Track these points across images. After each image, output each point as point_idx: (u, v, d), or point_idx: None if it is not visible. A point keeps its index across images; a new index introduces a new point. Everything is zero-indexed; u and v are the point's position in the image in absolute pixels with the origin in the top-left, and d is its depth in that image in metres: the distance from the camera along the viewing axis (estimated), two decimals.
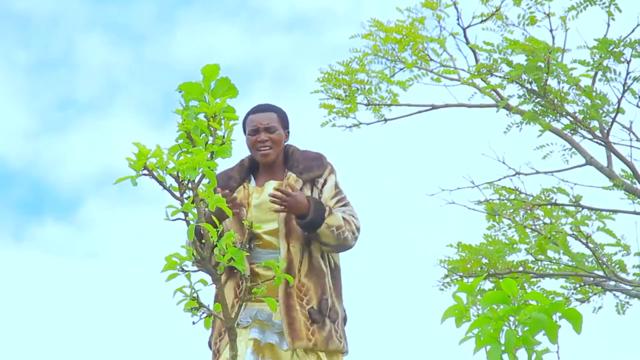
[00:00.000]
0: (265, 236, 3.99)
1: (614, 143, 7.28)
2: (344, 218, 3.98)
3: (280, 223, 3.97)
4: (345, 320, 4.08)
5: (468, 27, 7.64)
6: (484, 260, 7.45)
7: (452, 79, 7.80)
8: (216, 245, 2.45)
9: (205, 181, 2.41)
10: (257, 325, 3.88)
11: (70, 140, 12.70)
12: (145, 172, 2.38)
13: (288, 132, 4.17)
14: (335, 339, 3.94)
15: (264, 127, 4.06)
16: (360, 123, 7.93)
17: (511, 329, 2.09)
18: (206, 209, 2.43)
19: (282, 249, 3.94)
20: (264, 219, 3.99)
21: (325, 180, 4.10)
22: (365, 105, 7.91)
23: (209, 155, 2.39)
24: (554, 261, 7.49)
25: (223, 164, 4.16)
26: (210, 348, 4.03)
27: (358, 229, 4.02)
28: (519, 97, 7.22)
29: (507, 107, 7.39)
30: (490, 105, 7.73)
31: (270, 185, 4.05)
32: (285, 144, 4.17)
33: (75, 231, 12.46)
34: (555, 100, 7.08)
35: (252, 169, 4.16)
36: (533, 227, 7.50)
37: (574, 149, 7.50)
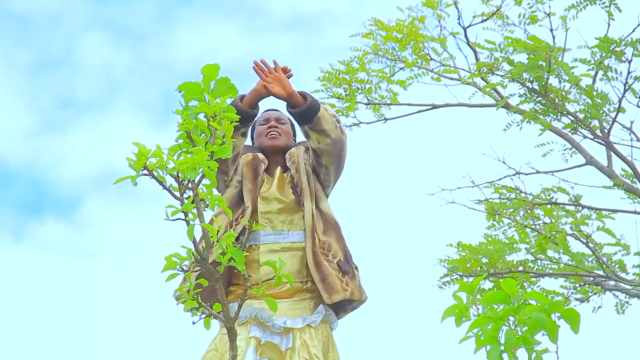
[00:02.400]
0: (273, 217, 4.04)
1: (615, 143, 7.28)
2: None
3: (302, 176, 4.05)
4: None
5: (469, 26, 7.64)
6: (484, 260, 7.45)
7: (452, 79, 7.80)
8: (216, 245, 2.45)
9: (205, 181, 2.41)
10: (257, 324, 3.87)
11: (70, 140, 12.71)
12: (145, 172, 2.38)
13: (294, 141, 4.33)
14: (363, 288, 4.01)
15: (275, 117, 4.24)
16: (361, 122, 7.93)
17: (511, 329, 2.09)
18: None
19: (307, 207, 3.99)
20: (272, 198, 4.07)
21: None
22: (366, 104, 7.91)
23: (208, 156, 2.39)
24: (554, 261, 7.49)
25: None
26: None
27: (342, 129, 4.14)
28: (520, 96, 7.23)
29: (507, 107, 7.39)
30: (490, 105, 7.72)
31: (278, 171, 4.16)
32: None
33: (75, 231, 12.47)
34: (556, 99, 7.08)
35: None
36: (533, 226, 7.49)
37: (574, 149, 7.50)
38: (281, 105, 4.20)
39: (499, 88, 7.52)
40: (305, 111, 4.00)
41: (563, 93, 7.06)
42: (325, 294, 3.87)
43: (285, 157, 4.22)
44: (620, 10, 6.94)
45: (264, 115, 4.29)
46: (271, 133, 4.20)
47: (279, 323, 3.86)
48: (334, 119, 4.09)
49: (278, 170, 4.18)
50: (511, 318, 2.10)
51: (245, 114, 3.94)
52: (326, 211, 4.09)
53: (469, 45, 7.61)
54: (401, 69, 7.79)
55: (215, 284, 2.51)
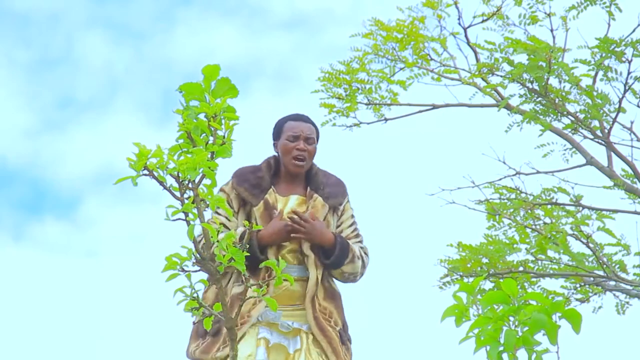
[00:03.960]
0: (284, 250, 3.95)
1: (615, 143, 7.28)
2: (361, 257, 4.02)
3: (307, 249, 3.93)
4: None
5: (469, 26, 7.64)
6: (484, 260, 7.45)
7: (452, 79, 7.81)
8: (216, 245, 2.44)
9: (205, 181, 2.41)
10: (265, 325, 3.87)
11: (70, 139, 12.71)
12: (146, 172, 2.38)
13: (316, 148, 4.12)
14: None
15: (305, 136, 4.02)
16: (361, 122, 7.94)
17: (511, 329, 2.09)
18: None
19: (311, 275, 3.92)
20: None
21: (344, 209, 4.10)
22: (366, 104, 7.91)
23: (209, 156, 2.39)
24: (554, 261, 7.50)
25: (223, 164, 4.17)
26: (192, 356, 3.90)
27: (365, 268, 4.06)
28: (520, 96, 7.23)
29: (508, 107, 7.40)
30: (490, 105, 7.73)
31: (294, 199, 4.03)
32: None
33: (75, 230, 12.47)
34: (557, 99, 7.09)
35: (275, 173, 4.09)
36: (533, 226, 7.50)
37: (574, 149, 7.51)
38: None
39: (499, 88, 7.52)
40: (332, 263, 3.94)
41: (563, 93, 7.06)
42: (333, 355, 3.84)
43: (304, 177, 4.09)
44: (620, 10, 6.94)
45: (293, 128, 4.04)
46: (299, 159, 4.00)
47: (287, 322, 3.86)
48: (360, 261, 4.00)
49: (294, 198, 4.04)
50: (511, 318, 2.10)
51: (255, 259, 3.68)
52: (328, 277, 4.00)
53: (469, 45, 7.62)
54: (401, 69, 7.80)
55: (215, 284, 2.51)
